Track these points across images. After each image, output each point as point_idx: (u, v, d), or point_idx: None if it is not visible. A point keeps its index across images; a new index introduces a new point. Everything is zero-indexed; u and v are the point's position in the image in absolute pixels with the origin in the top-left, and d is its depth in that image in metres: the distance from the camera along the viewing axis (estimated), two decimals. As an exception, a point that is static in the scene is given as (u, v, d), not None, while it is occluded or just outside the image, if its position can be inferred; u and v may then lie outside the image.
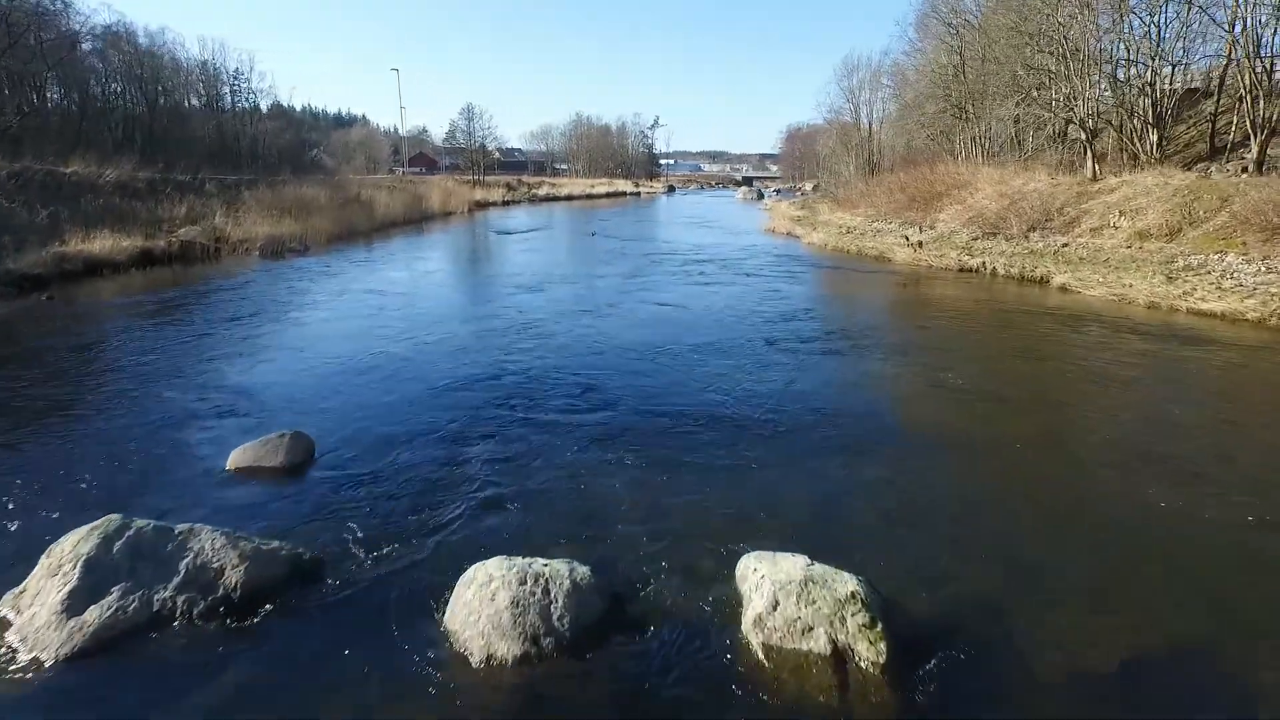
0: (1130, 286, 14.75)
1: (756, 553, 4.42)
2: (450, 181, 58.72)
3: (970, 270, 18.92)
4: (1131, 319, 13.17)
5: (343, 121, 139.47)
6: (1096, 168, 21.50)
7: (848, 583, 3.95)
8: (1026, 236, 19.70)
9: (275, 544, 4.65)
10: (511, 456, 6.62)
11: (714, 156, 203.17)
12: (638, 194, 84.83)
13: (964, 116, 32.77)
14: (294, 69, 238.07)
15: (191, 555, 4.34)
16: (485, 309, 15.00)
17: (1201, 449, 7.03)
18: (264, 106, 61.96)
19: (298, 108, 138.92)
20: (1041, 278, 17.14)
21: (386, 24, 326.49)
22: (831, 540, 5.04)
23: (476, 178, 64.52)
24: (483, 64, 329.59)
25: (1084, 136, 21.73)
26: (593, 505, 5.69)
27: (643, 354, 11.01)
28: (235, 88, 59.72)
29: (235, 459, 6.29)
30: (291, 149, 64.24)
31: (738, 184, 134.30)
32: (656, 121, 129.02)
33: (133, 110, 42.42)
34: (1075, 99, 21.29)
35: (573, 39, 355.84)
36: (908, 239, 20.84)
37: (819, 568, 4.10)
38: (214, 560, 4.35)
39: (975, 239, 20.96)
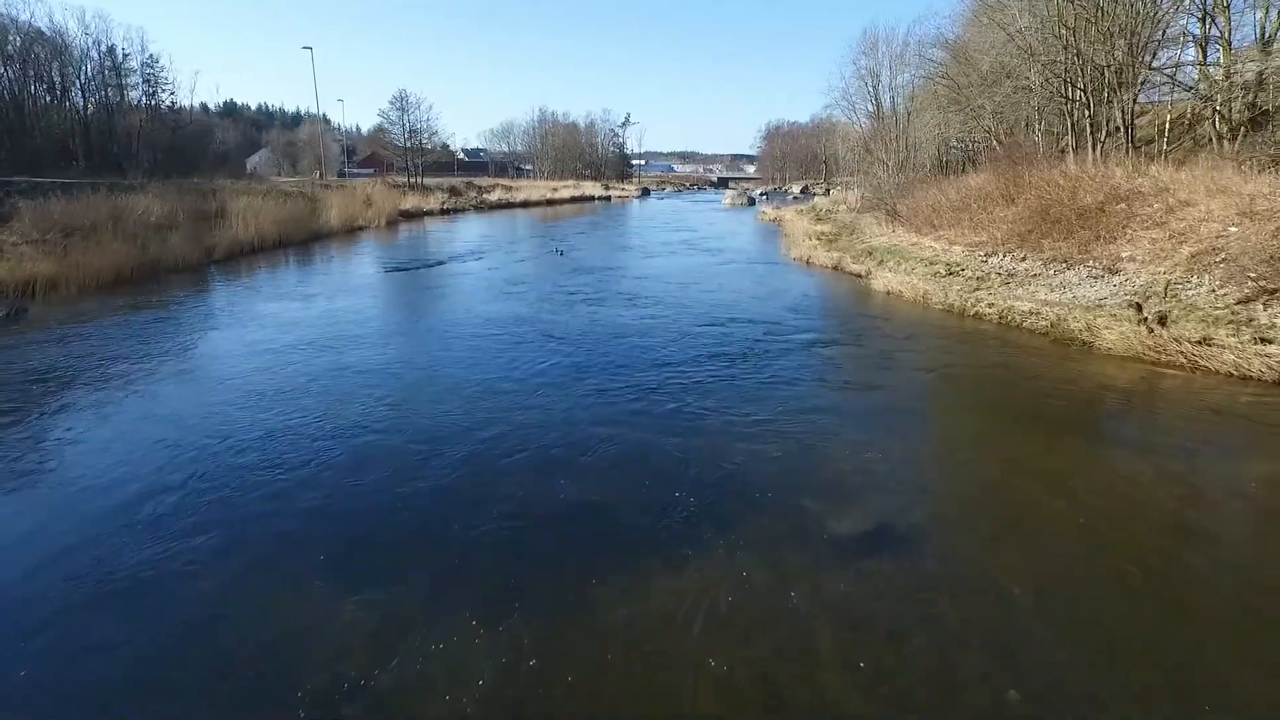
0: None
1: None
2: (377, 186, 47.75)
3: (1303, 383, 8.92)
4: None
5: (299, 120, 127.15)
6: None
7: None
8: (1377, 303, 9.75)
9: None
10: None
11: (685, 157, 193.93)
12: (608, 198, 74.41)
13: (1072, 97, 22.94)
14: (256, 63, 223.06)
15: None
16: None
17: None
18: (176, 98, 50.54)
19: (240, 101, 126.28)
20: None
21: (344, 16, 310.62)
22: None
23: (412, 180, 53.50)
24: (446, 59, 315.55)
25: None
26: None
27: None
28: (116, 71, 48.25)
29: None
30: (187, 146, 52.77)
31: (714, 185, 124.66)
32: (628, 119, 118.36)
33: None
34: None
35: (536, 33, 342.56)
36: (1140, 310, 10.73)
37: None
38: None
39: (1244, 302, 10.97)
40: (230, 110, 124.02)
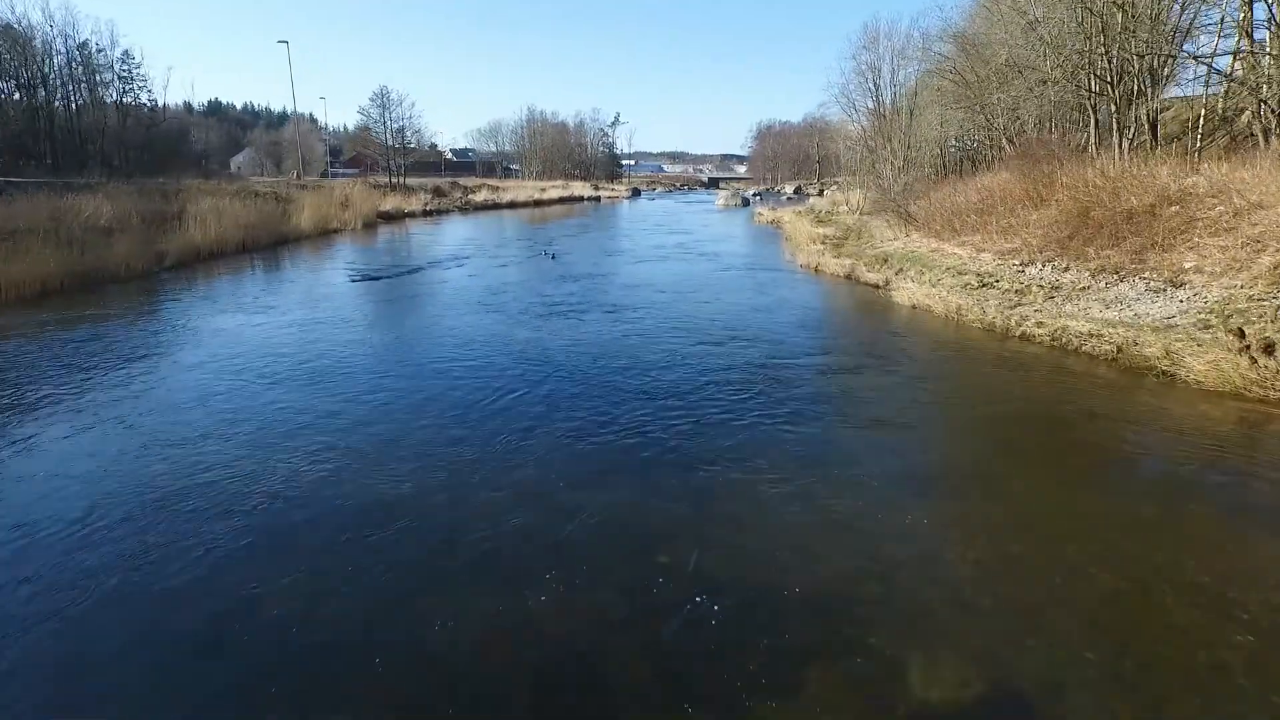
0: None
1: None
2: (356, 186, 45.71)
3: None
4: None
5: (286, 119, 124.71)
6: None
7: None
8: None
9: None
10: None
11: (675, 157, 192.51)
12: (597, 199, 72.57)
13: (1095, 89, 21.29)
14: (251, 62, 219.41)
15: None
16: None
17: None
18: (152, 94, 48.65)
19: (226, 100, 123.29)
20: None
21: (342, 15, 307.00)
22: None
23: (394, 180, 51.44)
24: (444, 59, 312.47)
25: None
26: None
27: None
28: (85, 67, 46.22)
29: None
30: (159, 145, 50.71)
31: (704, 185, 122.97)
32: (617, 119, 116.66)
33: None
34: None
35: (527, 33, 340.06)
36: (1243, 336, 8.93)
37: None
38: None
39: (1351, 324, 9.21)
40: (215, 109, 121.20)
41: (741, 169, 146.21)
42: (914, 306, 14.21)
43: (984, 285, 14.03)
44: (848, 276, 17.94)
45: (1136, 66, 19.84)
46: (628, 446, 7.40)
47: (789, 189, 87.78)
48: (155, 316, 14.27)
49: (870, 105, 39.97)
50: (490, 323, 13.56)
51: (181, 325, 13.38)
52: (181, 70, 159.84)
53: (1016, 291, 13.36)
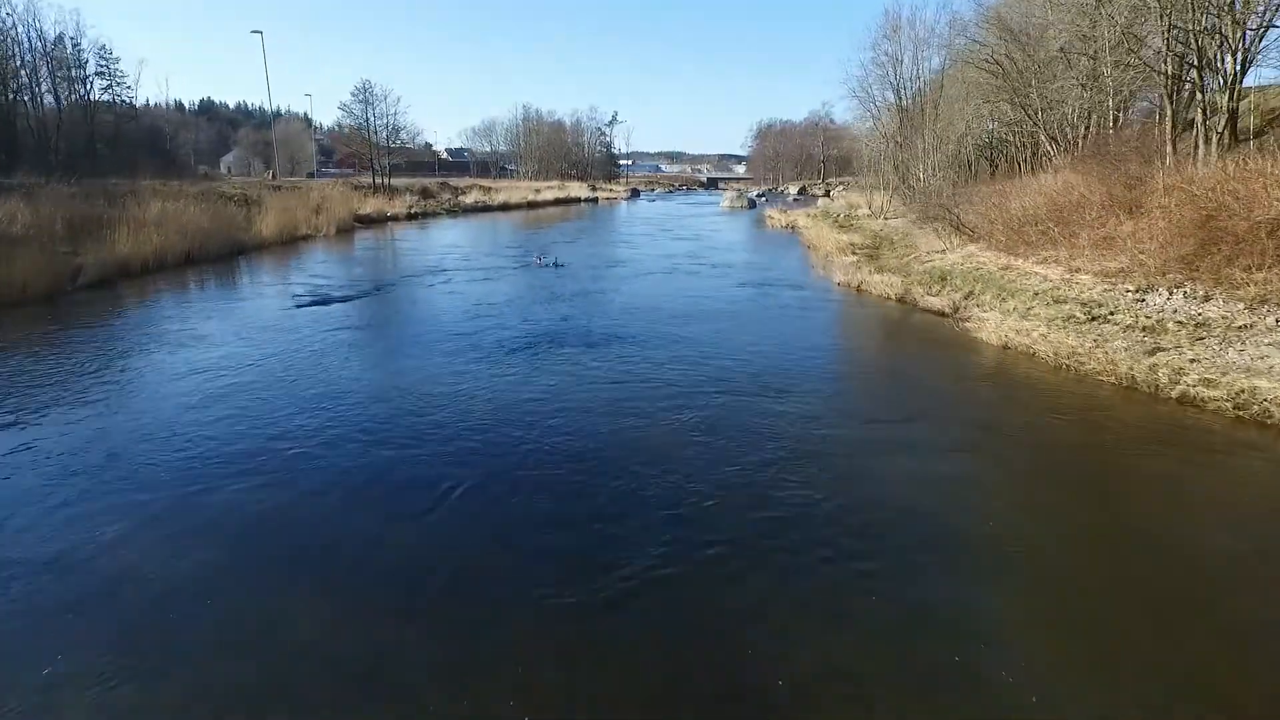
0: None
1: None
2: (335, 187, 42.50)
3: None
4: None
5: (279, 117, 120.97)
6: None
7: None
8: None
9: None
10: None
11: (672, 157, 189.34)
12: (595, 200, 69.36)
13: (1174, 73, 18.17)
14: (244, 61, 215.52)
15: None
16: None
17: None
18: (130, 90, 45.51)
19: (219, 99, 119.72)
20: None
21: (339, 15, 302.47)
22: None
23: (377, 180, 48.19)
24: (445, 57, 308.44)
25: None
26: None
27: None
28: (49, 60, 43.08)
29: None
30: (124, 142, 47.46)
31: (703, 186, 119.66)
32: (615, 118, 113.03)
33: None
34: None
35: (521, 31, 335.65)
36: None
37: None
38: None
39: None
40: (207, 108, 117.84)
41: (740, 169, 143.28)
42: (1005, 346, 11.05)
43: (1095, 319, 10.88)
44: (900, 299, 14.78)
45: (1234, 44, 16.75)
46: (630, 619, 4.26)
47: (793, 190, 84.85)
48: (28, 363, 11.03)
49: (891, 99, 36.96)
50: (458, 368, 10.38)
51: (43, 375, 10.18)
52: (168, 68, 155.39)
53: (1145, 329, 10.22)
